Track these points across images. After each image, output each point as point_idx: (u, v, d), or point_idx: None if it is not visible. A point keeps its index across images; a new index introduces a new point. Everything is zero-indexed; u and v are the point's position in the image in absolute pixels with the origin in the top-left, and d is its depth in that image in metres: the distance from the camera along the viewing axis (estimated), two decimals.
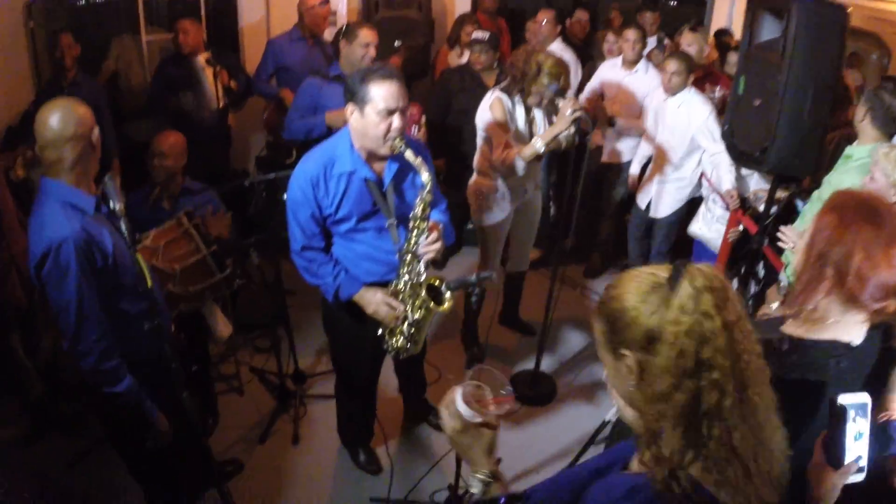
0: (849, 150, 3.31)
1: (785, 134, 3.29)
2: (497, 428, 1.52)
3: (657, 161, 4.71)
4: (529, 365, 4.25)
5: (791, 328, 1.86)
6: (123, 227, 2.16)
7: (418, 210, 2.68)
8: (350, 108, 2.62)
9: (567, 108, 3.43)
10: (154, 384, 2.43)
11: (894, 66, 7.13)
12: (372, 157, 2.72)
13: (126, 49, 5.16)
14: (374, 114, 2.55)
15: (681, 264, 1.26)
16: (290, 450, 3.61)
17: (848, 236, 1.71)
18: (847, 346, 1.76)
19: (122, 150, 4.44)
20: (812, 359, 1.77)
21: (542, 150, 3.64)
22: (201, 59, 4.66)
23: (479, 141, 3.96)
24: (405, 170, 2.81)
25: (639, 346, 1.25)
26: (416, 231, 2.72)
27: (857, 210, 1.74)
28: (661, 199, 4.74)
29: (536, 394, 4.14)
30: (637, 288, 1.27)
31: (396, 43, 5.38)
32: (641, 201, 4.88)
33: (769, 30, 3.42)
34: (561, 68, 3.71)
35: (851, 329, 1.77)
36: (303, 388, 3.95)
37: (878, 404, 1.92)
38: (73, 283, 2.19)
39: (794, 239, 2.83)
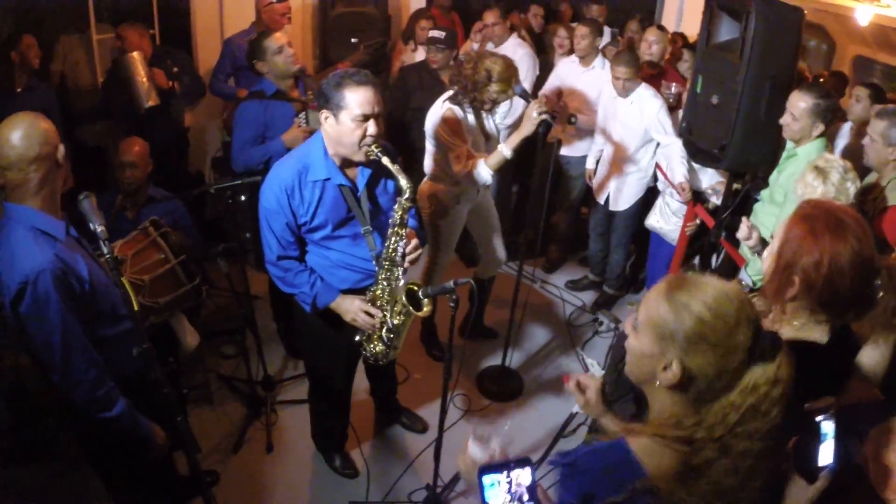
0: (791, 147, 3.42)
1: (742, 132, 3.39)
2: None
3: (614, 156, 4.76)
4: (495, 361, 4.31)
5: None
6: (105, 250, 2.05)
7: (397, 216, 2.67)
8: (325, 114, 2.58)
9: (533, 111, 3.41)
10: (142, 401, 2.36)
11: (837, 56, 7.41)
12: (346, 163, 2.71)
13: (72, 48, 4.99)
14: (350, 120, 2.52)
15: (779, 339, 1.37)
16: (265, 458, 3.58)
17: (816, 247, 1.78)
18: (815, 344, 1.85)
19: (73, 156, 4.29)
20: None
21: (510, 156, 3.60)
22: (131, 59, 4.41)
23: (430, 147, 3.87)
24: (377, 175, 2.80)
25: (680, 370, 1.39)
26: (394, 237, 2.71)
27: (826, 220, 1.80)
28: (620, 192, 4.81)
29: (504, 389, 4.19)
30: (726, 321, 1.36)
31: (353, 39, 5.33)
32: (600, 197, 4.95)
33: (727, 30, 3.50)
34: (511, 71, 3.61)
35: (817, 329, 1.87)
36: (273, 394, 3.91)
37: (843, 394, 2.04)
38: (56, 315, 2.06)
39: (745, 231, 2.95)
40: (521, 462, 1.39)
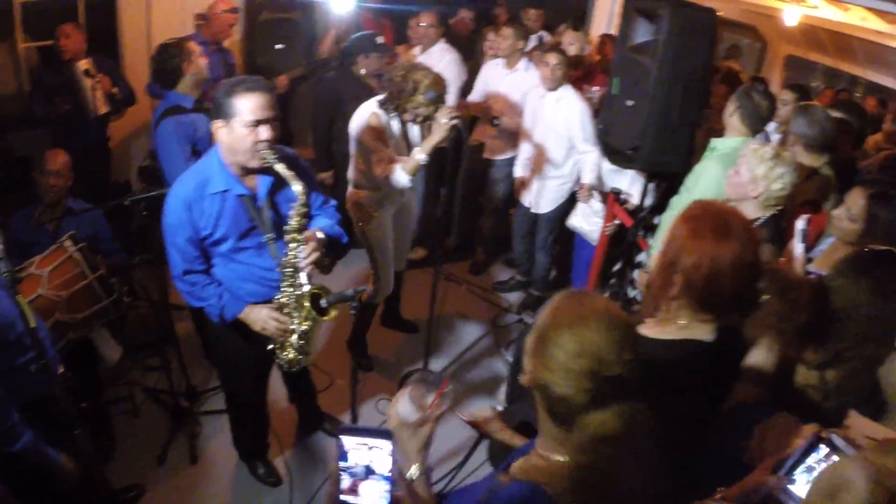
0: (714, 141, 3.49)
1: (654, 133, 3.45)
2: (434, 427, 1.62)
3: (537, 159, 4.81)
4: (418, 364, 4.32)
5: (646, 329, 1.95)
6: (2, 268, 1.96)
7: (293, 223, 2.67)
8: (219, 123, 2.56)
9: (443, 117, 3.46)
10: (45, 424, 2.30)
11: (769, 56, 7.57)
12: (244, 171, 2.68)
13: None
14: (242, 126, 2.51)
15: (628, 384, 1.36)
16: (190, 469, 3.56)
17: (696, 248, 1.80)
18: (700, 343, 1.88)
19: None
20: (669, 357, 1.87)
21: (424, 161, 3.64)
22: (80, 67, 4.46)
23: (353, 151, 3.88)
24: (279, 183, 2.74)
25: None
26: (292, 244, 2.71)
27: (711, 222, 1.82)
28: (541, 195, 4.86)
29: None
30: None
31: (278, 46, 5.30)
32: (524, 199, 5.01)
33: (643, 32, 3.55)
34: (439, 87, 3.64)
35: (701, 329, 1.89)
36: (197, 404, 3.90)
37: (732, 395, 2.09)
38: None
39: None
40: (381, 433, 1.32)
